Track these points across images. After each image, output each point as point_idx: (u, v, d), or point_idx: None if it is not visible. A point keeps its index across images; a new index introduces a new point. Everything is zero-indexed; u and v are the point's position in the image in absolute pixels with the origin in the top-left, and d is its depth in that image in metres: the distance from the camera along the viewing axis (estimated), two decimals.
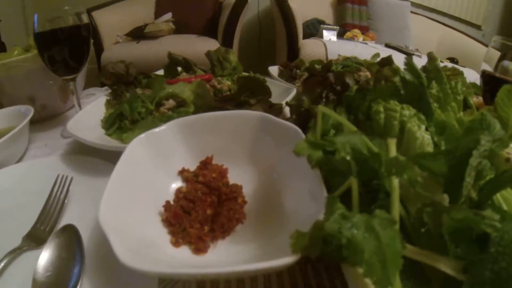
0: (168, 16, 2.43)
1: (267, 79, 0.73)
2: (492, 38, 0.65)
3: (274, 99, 0.55)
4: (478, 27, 3.61)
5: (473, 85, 0.91)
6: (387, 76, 0.38)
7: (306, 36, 2.69)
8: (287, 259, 0.21)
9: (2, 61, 0.64)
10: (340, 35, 2.82)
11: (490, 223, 0.19)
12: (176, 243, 0.29)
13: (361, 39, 2.76)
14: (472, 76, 2.59)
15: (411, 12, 3.18)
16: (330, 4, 3.15)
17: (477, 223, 0.19)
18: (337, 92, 0.40)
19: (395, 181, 0.22)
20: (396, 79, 0.32)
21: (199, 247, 0.28)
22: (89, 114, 0.56)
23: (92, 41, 0.67)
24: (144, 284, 0.27)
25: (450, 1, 3.48)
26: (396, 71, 0.33)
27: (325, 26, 2.67)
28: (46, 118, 0.73)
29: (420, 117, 0.29)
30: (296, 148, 0.24)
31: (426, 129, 0.29)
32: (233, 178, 0.35)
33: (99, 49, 2.22)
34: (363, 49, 2.40)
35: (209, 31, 2.46)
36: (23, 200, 0.41)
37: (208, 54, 0.77)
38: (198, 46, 2.19)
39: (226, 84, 0.60)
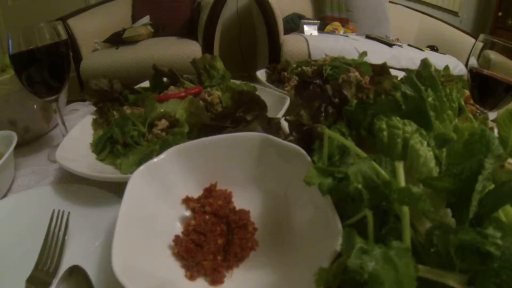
0: (146, 19, 2.41)
1: (257, 86, 0.73)
2: (479, 36, 0.71)
3: (268, 110, 0.55)
4: (455, 13, 3.72)
5: (459, 78, 0.94)
6: (386, 89, 0.38)
7: (287, 31, 2.70)
8: None
9: None
10: (321, 29, 2.84)
11: (493, 241, 0.21)
12: (191, 277, 0.29)
13: (342, 31, 2.81)
14: (453, 63, 2.52)
15: (390, 1, 3.23)
16: None
17: (482, 244, 0.21)
18: (336, 105, 0.40)
19: (406, 209, 0.23)
20: (397, 94, 0.33)
21: (216, 279, 0.29)
22: (77, 138, 0.54)
23: (71, 54, 0.65)
24: None
25: None
26: (396, 85, 0.33)
27: (306, 21, 2.70)
28: (29, 141, 0.71)
29: (421, 132, 0.30)
30: (306, 177, 0.25)
31: (428, 144, 0.30)
32: (239, 202, 0.36)
33: (78, 58, 2.19)
34: (345, 42, 2.47)
35: (188, 32, 2.45)
36: (18, 238, 0.40)
37: (194, 62, 0.76)
38: (179, 49, 2.21)
39: (217, 95, 0.60)
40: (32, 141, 0.72)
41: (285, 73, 0.93)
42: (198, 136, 0.47)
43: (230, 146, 0.36)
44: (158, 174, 0.34)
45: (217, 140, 0.36)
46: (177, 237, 0.32)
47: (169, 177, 0.35)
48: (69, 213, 0.40)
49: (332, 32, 2.79)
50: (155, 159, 0.34)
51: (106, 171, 0.46)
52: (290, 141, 0.38)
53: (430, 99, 0.40)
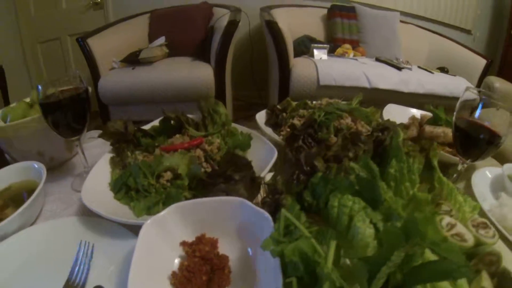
0: (162, 40, 2.59)
1: (253, 133, 0.86)
2: (464, 89, 0.74)
3: (258, 160, 0.69)
4: (468, 31, 3.73)
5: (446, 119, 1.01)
6: (347, 168, 0.52)
7: (298, 54, 2.83)
8: None
9: (11, 123, 0.76)
10: (332, 51, 2.96)
11: None
12: None
13: (351, 55, 2.92)
14: (462, 84, 2.57)
15: (401, 21, 3.28)
16: (321, 19, 3.30)
17: None
18: (307, 173, 0.54)
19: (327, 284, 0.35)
20: (352, 177, 0.46)
21: None
22: (97, 177, 0.68)
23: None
24: None
25: (439, 8, 3.59)
26: (352, 169, 0.47)
27: (316, 45, 2.82)
28: (54, 167, 0.86)
29: (367, 211, 0.43)
30: (262, 244, 0.38)
31: (372, 221, 0.42)
32: (223, 247, 0.50)
33: (96, 76, 2.37)
34: (354, 66, 2.58)
35: (202, 52, 2.60)
36: (52, 259, 0.54)
37: (200, 105, 0.90)
38: (191, 72, 2.39)
39: (216, 144, 0.74)
40: (56, 167, 0.86)
41: (285, 114, 1.05)
42: (197, 187, 0.62)
43: (216, 206, 0.50)
44: (162, 225, 0.48)
45: (207, 201, 0.51)
46: (174, 272, 0.46)
47: (170, 227, 0.49)
48: (93, 245, 0.54)
49: (342, 55, 2.91)
50: (160, 214, 0.48)
51: (122, 210, 0.60)
52: (266, 202, 0.51)
53: (392, 170, 0.53)
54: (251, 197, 0.56)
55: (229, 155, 0.61)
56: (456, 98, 2.17)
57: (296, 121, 0.95)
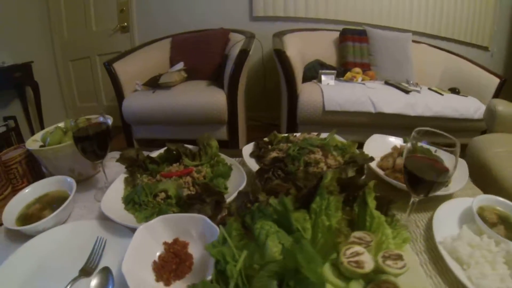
0: (180, 65, 2.85)
1: (234, 165, 1.06)
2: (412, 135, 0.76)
3: (235, 186, 0.93)
4: (485, 48, 3.74)
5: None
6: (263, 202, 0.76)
7: (308, 78, 2.97)
8: None
9: (50, 147, 1.00)
10: (342, 75, 3.07)
11: None
12: (157, 281, 0.68)
13: (360, 79, 3.02)
14: (475, 105, 2.67)
15: (414, 41, 3.32)
16: (333, 43, 3.42)
17: None
18: (252, 202, 0.78)
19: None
20: (270, 209, 0.70)
21: (167, 284, 0.67)
22: (113, 192, 0.95)
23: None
24: None
25: (454, 27, 3.61)
26: (273, 203, 0.70)
27: (323, 71, 2.93)
28: (81, 181, 1.12)
29: (278, 234, 0.63)
30: (205, 246, 0.63)
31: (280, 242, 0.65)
32: (190, 248, 0.74)
33: (121, 96, 2.66)
34: (360, 92, 2.68)
35: (217, 77, 2.82)
36: (75, 248, 0.80)
37: (197, 140, 1.16)
38: (205, 97, 2.64)
39: (203, 173, 0.99)
40: (83, 181, 1.13)
41: (270, 146, 1.24)
42: (182, 205, 0.87)
43: (188, 220, 0.75)
44: (151, 229, 0.73)
45: (182, 216, 0.76)
46: (154, 261, 0.71)
47: (156, 231, 0.74)
48: (106, 240, 0.80)
49: (351, 80, 3.01)
50: (150, 222, 0.74)
51: (128, 217, 0.86)
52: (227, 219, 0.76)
53: (314, 205, 0.71)
54: (215, 215, 0.81)
55: (203, 185, 0.87)
56: (466, 120, 2.66)
57: (275, 154, 1.11)
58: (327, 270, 0.61)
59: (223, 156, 1.13)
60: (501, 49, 3.79)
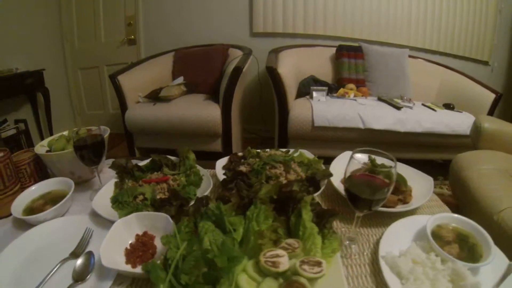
0: (180, 80, 3.07)
1: (204, 176, 1.28)
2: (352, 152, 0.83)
3: (200, 193, 1.15)
4: (485, 63, 3.74)
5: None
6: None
7: (303, 94, 3.13)
8: None
9: (55, 153, 1.22)
10: (335, 91, 3.17)
11: None
12: (126, 263, 0.89)
13: (352, 95, 3.10)
14: (467, 120, 2.73)
15: (411, 56, 3.36)
16: (330, 59, 3.53)
17: None
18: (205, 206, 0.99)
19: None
20: (210, 211, 0.91)
21: (134, 266, 0.89)
22: (104, 193, 1.17)
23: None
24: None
25: (453, 41, 3.62)
26: (213, 207, 0.91)
27: (314, 87, 3.06)
28: (80, 183, 1.34)
29: (214, 233, 0.82)
30: (161, 238, 0.85)
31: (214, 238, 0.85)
32: (156, 240, 0.95)
33: (124, 107, 2.87)
34: (349, 108, 2.76)
35: (214, 92, 3.00)
36: (68, 236, 1.01)
37: (178, 151, 1.38)
38: (201, 111, 2.81)
39: (177, 182, 1.21)
40: (81, 183, 1.34)
41: (243, 160, 1.45)
42: (157, 206, 1.08)
43: (156, 217, 0.96)
44: (126, 223, 0.95)
45: (151, 214, 0.97)
46: (126, 248, 0.92)
47: (130, 225, 0.95)
48: (93, 230, 1.02)
49: (343, 96, 3.09)
50: (127, 217, 0.96)
51: (113, 213, 1.07)
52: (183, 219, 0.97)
53: (249, 213, 0.90)
54: (178, 216, 1.02)
55: (173, 190, 1.09)
56: (459, 136, 2.71)
57: (243, 168, 1.25)
58: (250, 266, 0.73)
59: (199, 167, 1.34)
60: (502, 64, 3.78)
